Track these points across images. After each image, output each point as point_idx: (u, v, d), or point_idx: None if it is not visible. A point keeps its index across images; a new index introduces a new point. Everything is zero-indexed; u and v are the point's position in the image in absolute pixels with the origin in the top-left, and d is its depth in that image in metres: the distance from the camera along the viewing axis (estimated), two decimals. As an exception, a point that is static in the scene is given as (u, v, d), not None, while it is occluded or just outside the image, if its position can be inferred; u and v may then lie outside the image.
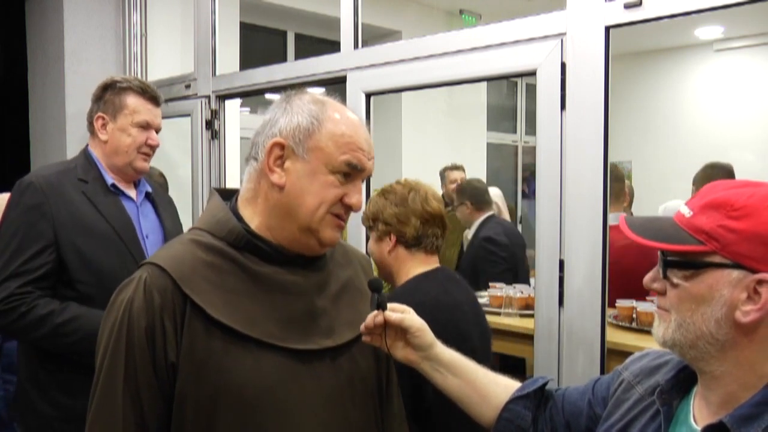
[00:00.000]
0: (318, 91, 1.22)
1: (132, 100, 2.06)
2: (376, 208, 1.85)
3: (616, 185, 3.13)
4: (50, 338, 1.86)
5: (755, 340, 0.90)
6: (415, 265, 1.82)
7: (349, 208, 1.16)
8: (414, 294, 1.71)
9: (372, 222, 1.86)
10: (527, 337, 2.54)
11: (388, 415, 1.30)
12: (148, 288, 1.08)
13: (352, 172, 1.14)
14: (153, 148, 2.11)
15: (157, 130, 2.13)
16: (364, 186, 2.46)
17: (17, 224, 1.89)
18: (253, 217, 1.17)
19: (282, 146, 1.13)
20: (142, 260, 1.95)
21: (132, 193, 2.11)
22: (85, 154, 2.09)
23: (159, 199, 2.22)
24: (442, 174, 4.98)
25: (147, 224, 2.11)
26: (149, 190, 2.18)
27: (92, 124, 2.08)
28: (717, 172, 3.16)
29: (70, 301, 1.90)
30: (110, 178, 2.06)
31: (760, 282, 0.88)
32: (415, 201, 1.81)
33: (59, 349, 1.90)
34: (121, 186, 2.08)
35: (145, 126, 2.08)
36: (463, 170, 4.98)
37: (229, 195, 1.24)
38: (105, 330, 1.11)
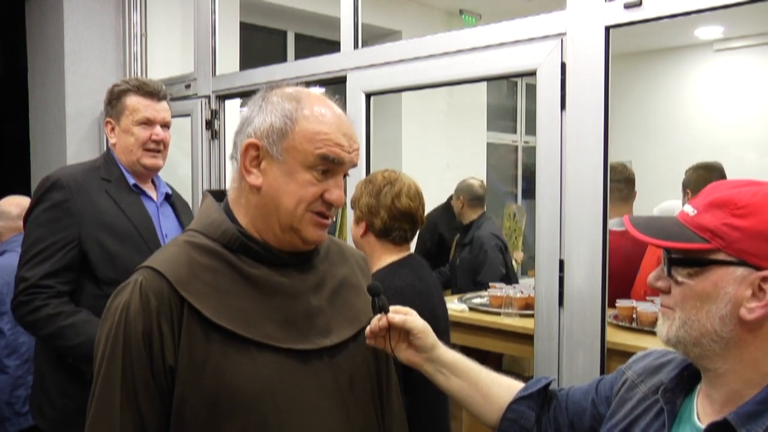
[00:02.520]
0: (318, 91, 1.21)
1: (130, 100, 2.10)
2: (356, 193, 1.99)
3: (626, 187, 3.11)
4: (53, 338, 1.91)
5: (759, 337, 0.90)
6: (385, 253, 1.95)
7: (330, 205, 1.14)
8: (392, 279, 1.84)
9: (353, 205, 2.00)
10: (527, 337, 2.54)
11: (388, 415, 1.30)
12: (144, 291, 1.07)
13: (330, 167, 1.12)
14: (159, 143, 2.13)
15: (164, 125, 2.15)
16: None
17: (43, 219, 1.95)
18: (241, 218, 1.16)
19: (257, 147, 1.12)
20: None
21: (153, 193, 2.17)
22: (108, 154, 2.14)
23: (177, 201, 2.28)
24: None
25: (167, 224, 2.15)
26: (169, 192, 2.23)
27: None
28: (710, 174, 3.14)
29: (93, 299, 1.94)
30: (132, 178, 2.11)
31: (764, 279, 0.88)
32: (387, 196, 1.92)
33: (59, 350, 1.94)
34: (143, 186, 2.13)
35: (147, 122, 2.10)
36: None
37: (221, 195, 1.23)
38: (102, 335, 1.10)
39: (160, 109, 2.14)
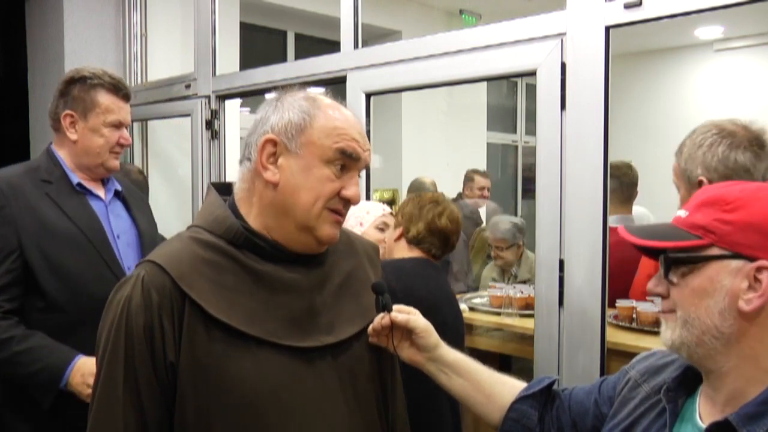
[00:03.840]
0: (318, 91, 1.21)
1: (104, 98, 1.94)
2: (403, 203, 2.15)
3: (629, 189, 3.11)
4: (7, 365, 1.76)
5: (759, 328, 0.91)
6: (405, 253, 2.08)
7: (347, 202, 1.14)
8: (394, 263, 2.00)
9: (396, 212, 2.14)
10: (527, 337, 2.54)
11: (392, 414, 1.30)
12: (146, 286, 1.07)
13: (347, 162, 1.13)
14: (124, 146, 2.00)
15: (127, 127, 2.02)
16: (363, 184, 2.46)
17: None
18: (249, 216, 1.15)
19: (274, 143, 1.12)
20: (114, 263, 1.88)
21: (100, 192, 1.99)
22: (48, 153, 1.97)
23: (130, 197, 2.09)
24: (470, 176, 4.95)
25: (118, 224, 1.98)
26: (119, 188, 2.05)
27: (58, 121, 1.94)
28: None
29: (38, 314, 1.80)
30: (76, 178, 1.93)
31: (759, 269, 0.89)
32: (429, 212, 2.06)
33: (16, 378, 1.79)
34: (89, 185, 1.96)
35: (118, 125, 1.96)
36: (489, 179, 5.05)
37: (226, 189, 1.22)
38: (104, 329, 1.10)
39: (128, 111, 2.01)
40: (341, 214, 1.15)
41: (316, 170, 1.11)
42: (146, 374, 1.06)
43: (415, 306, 1.29)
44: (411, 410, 1.39)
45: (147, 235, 2.02)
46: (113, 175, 2.08)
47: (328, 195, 1.12)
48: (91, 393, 1.11)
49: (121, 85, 1.98)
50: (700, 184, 1.54)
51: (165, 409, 1.07)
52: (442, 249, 2.08)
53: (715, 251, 0.92)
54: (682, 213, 0.97)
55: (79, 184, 1.93)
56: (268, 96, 1.19)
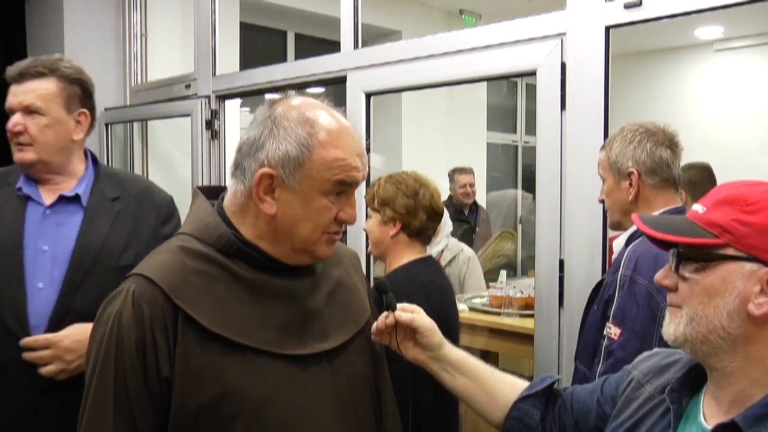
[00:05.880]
0: (318, 91, 1.20)
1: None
2: (387, 194, 1.97)
3: None
4: None
5: (767, 333, 0.90)
6: (411, 252, 1.99)
7: (344, 223, 1.14)
8: (417, 275, 1.92)
9: (380, 206, 1.98)
10: (527, 337, 2.54)
11: (383, 413, 1.30)
12: (137, 300, 1.05)
13: (345, 189, 1.12)
14: (17, 134, 1.70)
15: (25, 110, 1.71)
16: (363, 184, 2.46)
17: None
18: (242, 229, 1.13)
19: (271, 176, 1.08)
20: (14, 277, 1.65)
21: (45, 196, 1.74)
22: None
23: (109, 202, 1.78)
24: (451, 176, 4.99)
25: (51, 234, 1.71)
26: (76, 192, 1.75)
27: None
28: (700, 174, 3.16)
29: None
30: (22, 181, 1.75)
31: None
32: (425, 197, 1.97)
33: None
34: (32, 189, 1.74)
35: (9, 112, 1.73)
36: (473, 174, 5.00)
37: (213, 192, 1.20)
38: (93, 345, 1.08)
39: (18, 92, 1.72)
40: (338, 233, 1.15)
41: (314, 202, 1.09)
42: (138, 391, 1.04)
43: (438, 320, 1.28)
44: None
45: (89, 249, 1.71)
46: (110, 174, 1.86)
47: (326, 223, 1.11)
48: (81, 408, 1.08)
49: (10, 69, 1.76)
50: (629, 174, 1.73)
51: (158, 423, 1.05)
52: (434, 230, 2.05)
53: (730, 251, 0.90)
54: (699, 208, 0.96)
55: (20, 188, 1.74)
56: (261, 110, 1.13)
